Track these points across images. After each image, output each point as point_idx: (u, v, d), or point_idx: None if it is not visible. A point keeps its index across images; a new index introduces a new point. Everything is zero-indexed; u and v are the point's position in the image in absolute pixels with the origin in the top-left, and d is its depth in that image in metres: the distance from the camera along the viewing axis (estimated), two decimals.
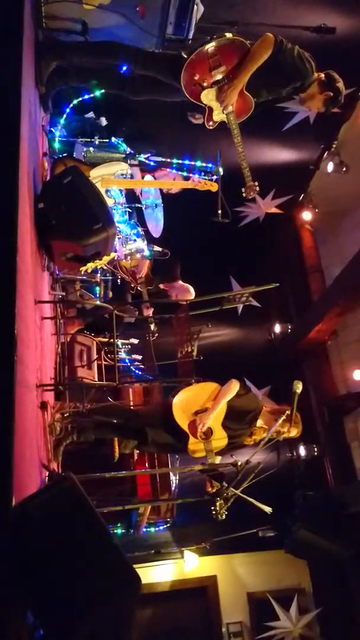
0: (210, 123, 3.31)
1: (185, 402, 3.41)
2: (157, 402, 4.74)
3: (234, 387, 3.42)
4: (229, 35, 3.14)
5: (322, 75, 3.31)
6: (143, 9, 3.74)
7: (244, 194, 3.33)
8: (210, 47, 3.09)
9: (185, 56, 3.19)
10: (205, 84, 3.18)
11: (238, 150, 3.26)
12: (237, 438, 3.47)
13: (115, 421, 3.52)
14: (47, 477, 2.65)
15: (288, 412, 3.21)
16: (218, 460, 3.47)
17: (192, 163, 4.57)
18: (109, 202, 3.86)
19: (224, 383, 3.50)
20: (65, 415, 3.34)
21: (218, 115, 3.27)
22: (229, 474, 3.18)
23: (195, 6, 3.84)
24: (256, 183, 3.28)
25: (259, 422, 3.48)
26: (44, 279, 3.27)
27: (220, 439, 3.39)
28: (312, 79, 3.27)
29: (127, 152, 4.50)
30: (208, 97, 3.22)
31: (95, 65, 3.65)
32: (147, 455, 4.72)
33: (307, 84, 3.29)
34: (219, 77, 3.16)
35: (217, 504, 3.00)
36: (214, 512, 3.01)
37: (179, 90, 3.39)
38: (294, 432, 3.40)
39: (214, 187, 3.85)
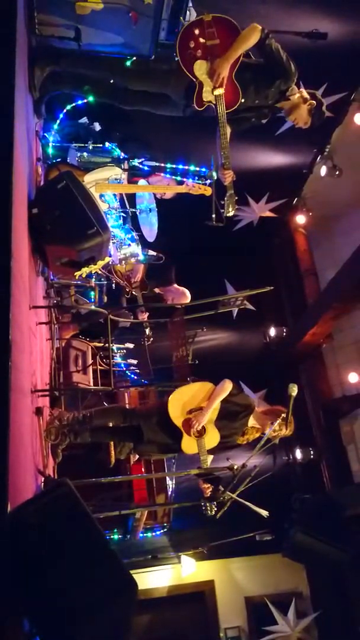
0: (201, 103, 3.36)
1: (180, 400, 3.45)
2: (154, 403, 4.74)
3: (227, 386, 3.46)
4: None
5: (304, 91, 3.51)
6: (136, 15, 3.75)
7: (217, 176, 3.41)
8: (208, 17, 3.26)
9: (179, 61, 3.26)
10: (198, 54, 3.29)
11: (221, 137, 3.31)
12: (229, 437, 3.50)
13: (111, 424, 3.53)
14: (42, 483, 2.65)
15: (284, 415, 3.23)
16: (210, 459, 3.48)
17: (186, 167, 4.58)
18: (103, 206, 3.86)
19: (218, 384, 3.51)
20: (63, 424, 3.34)
21: (207, 95, 3.33)
22: (225, 477, 3.18)
23: (187, 12, 3.87)
24: (232, 172, 3.36)
25: (251, 422, 3.51)
26: (38, 284, 3.27)
27: (213, 438, 3.41)
28: (294, 81, 3.41)
29: (121, 157, 4.51)
30: (201, 70, 3.31)
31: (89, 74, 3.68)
32: (143, 460, 4.72)
33: (290, 87, 3.42)
34: (212, 49, 3.25)
35: (209, 505, 3.02)
36: (204, 509, 3.04)
37: (168, 103, 3.52)
38: (287, 431, 3.42)
39: (208, 191, 3.86)
